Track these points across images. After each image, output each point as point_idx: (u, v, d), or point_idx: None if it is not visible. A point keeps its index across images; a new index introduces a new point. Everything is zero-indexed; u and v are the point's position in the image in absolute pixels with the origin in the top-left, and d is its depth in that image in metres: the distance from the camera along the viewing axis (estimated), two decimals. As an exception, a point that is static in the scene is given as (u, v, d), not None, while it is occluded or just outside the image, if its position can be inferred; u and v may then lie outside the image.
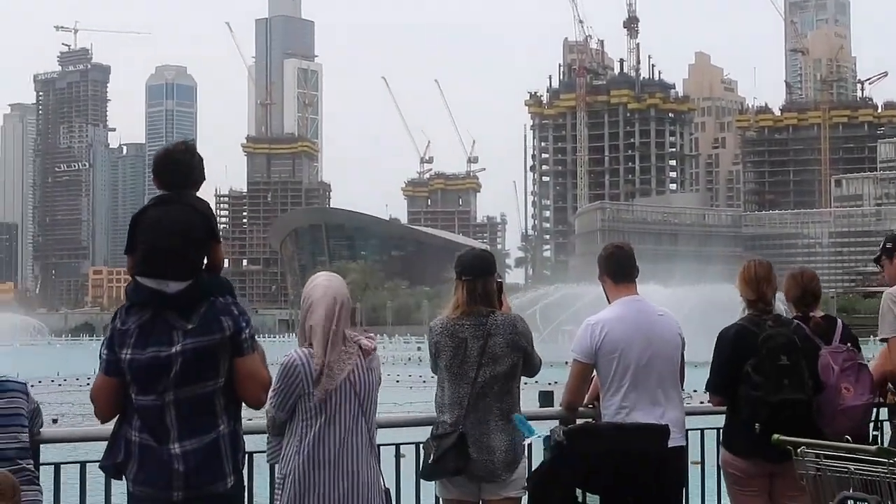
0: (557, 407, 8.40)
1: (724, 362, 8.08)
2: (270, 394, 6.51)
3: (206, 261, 6.49)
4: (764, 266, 8.36)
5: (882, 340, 8.64)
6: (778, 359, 7.75)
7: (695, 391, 12.02)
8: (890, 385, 8.73)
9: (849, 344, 8.54)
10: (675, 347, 7.89)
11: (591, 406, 8.20)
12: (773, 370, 7.74)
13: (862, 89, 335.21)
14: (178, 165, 6.44)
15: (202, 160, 6.54)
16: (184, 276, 6.24)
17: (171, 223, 6.26)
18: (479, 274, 7.65)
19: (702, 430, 9.80)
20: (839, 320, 8.83)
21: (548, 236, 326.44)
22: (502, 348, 7.48)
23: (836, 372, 8.18)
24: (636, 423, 7.46)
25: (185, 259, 6.26)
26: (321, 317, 6.53)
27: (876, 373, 8.51)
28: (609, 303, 8.02)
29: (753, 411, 7.78)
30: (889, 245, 9.15)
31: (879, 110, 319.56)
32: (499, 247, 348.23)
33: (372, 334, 6.75)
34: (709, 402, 8.70)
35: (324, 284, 6.69)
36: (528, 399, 8.52)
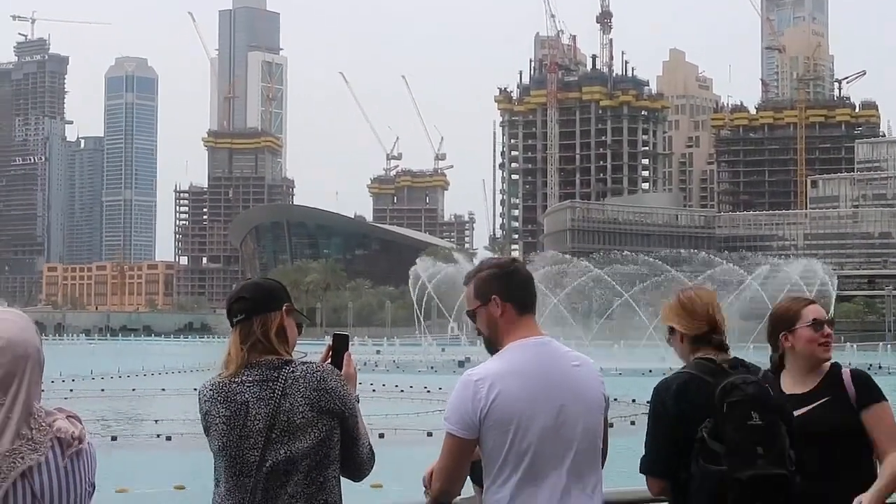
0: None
1: (665, 429, 5.85)
2: None
3: None
4: (707, 290, 6.19)
5: None
6: (748, 417, 5.55)
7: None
8: None
9: None
10: (597, 411, 5.54)
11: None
12: (741, 433, 5.55)
13: (839, 88, 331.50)
14: None
15: None
16: None
17: None
18: (256, 309, 5.43)
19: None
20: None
21: (516, 235, 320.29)
22: (303, 414, 5.26)
23: None
24: None
25: None
26: None
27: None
28: (498, 346, 5.59)
29: (713, 494, 5.61)
30: None
31: (857, 110, 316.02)
32: (466, 246, 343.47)
33: (77, 415, 4.30)
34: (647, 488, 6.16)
35: None
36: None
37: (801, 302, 6.68)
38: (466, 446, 5.45)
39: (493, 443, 5.39)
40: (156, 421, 39.31)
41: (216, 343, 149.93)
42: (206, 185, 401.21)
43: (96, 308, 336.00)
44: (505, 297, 5.55)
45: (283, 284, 5.66)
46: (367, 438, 5.54)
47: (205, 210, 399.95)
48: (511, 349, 5.48)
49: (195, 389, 5.49)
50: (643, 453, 5.95)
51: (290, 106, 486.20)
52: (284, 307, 5.49)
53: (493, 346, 5.57)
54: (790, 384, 6.48)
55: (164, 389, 55.26)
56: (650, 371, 60.92)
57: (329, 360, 5.62)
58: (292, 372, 5.32)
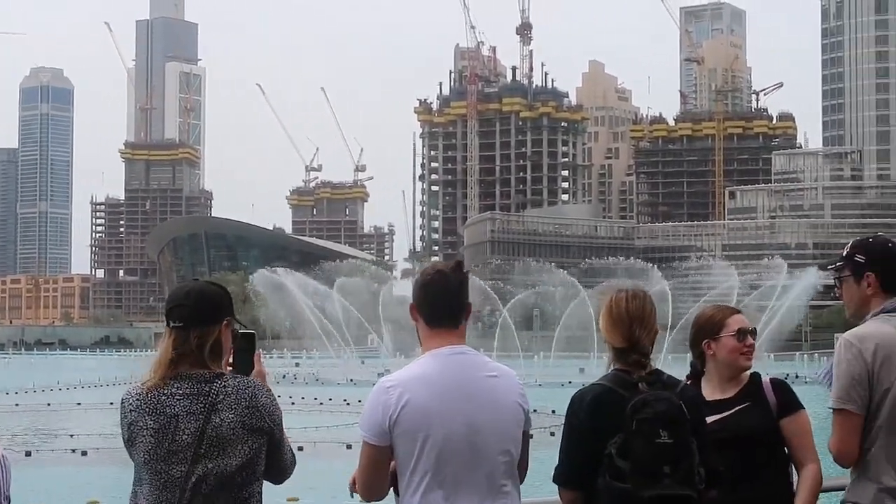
0: None
1: (578, 441, 5.76)
2: None
3: None
4: (638, 299, 5.91)
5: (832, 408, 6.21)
6: (656, 435, 5.44)
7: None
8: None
9: None
10: (511, 423, 5.52)
11: None
12: (649, 452, 5.45)
13: (757, 100, 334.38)
14: None
15: None
16: None
17: None
18: (194, 320, 5.29)
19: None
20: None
21: (436, 247, 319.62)
22: (233, 430, 5.19)
23: None
24: None
25: None
26: None
27: (833, 449, 6.19)
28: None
29: None
30: (860, 257, 6.38)
31: (774, 122, 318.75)
32: (386, 258, 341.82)
33: None
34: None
35: None
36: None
37: (726, 310, 6.78)
38: (380, 453, 5.43)
39: (403, 451, 5.38)
40: (71, 435, 38.60)
41: (133, 357, 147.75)
42: (123, 197, 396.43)
43: (10, 322, 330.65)
44: (418, 308, 5.60)
45: (228, 292, 5.46)
46: (289, 444, 5.50)
47: (122, 222, 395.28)
48: (425, 357, 5.49)
49: (111, 404, 5.52)
50: (556, 465, 5.82)
51: (208, 117, 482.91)
52: (225, 321, 5.34)
53: None
54: (710, 391, 6.64)
55: (79, 404, 54.69)
56: (570, 382, 60.30)
57: (232, 360, 5.45)
58: (224, 387, 5.19)
